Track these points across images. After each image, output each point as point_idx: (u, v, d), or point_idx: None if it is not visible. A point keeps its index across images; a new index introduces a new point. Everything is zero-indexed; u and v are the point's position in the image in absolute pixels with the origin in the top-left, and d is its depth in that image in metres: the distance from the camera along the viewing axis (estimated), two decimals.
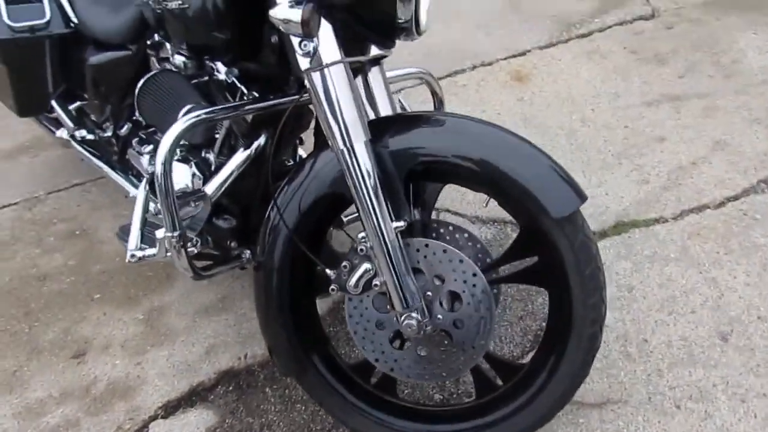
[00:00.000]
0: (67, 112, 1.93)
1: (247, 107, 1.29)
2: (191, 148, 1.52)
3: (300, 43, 1.05)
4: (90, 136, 1.93)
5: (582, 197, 1.09)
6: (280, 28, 1.03)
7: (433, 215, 1.95)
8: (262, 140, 1.40)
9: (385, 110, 1.31)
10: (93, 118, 1.95)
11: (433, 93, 1.63)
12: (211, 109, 1.24)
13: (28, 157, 2.67)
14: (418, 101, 1.68)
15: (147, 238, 1.32)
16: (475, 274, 1.14)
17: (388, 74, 1.52)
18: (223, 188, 1.38)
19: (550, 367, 1.19)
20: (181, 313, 1.79)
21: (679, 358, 1.48)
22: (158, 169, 1.16)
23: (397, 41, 1.21)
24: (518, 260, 1.25)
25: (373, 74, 1.30)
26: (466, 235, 1.29)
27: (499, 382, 1.30)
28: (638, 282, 1.68)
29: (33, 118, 2.19)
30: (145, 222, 1.33)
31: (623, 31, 3.07)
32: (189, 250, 1.38)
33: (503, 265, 1.28)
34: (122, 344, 1.72)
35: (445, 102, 1.65)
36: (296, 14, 0.99)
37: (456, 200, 2.05)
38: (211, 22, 1.25)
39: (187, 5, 1.25)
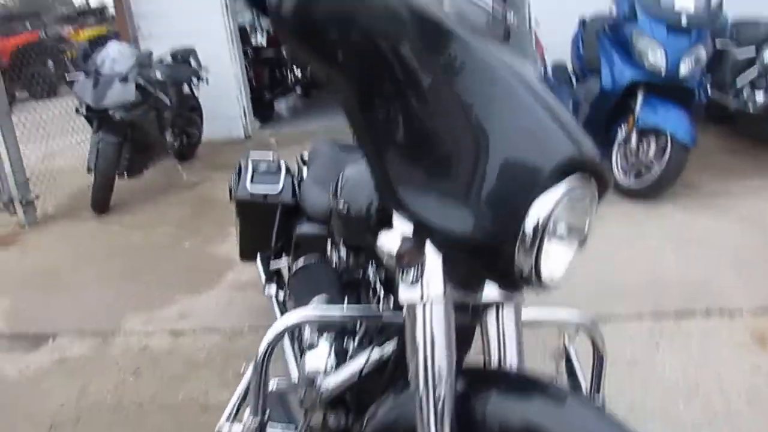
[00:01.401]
0: (266, 268, 2.18)
1: (361, 314, 1.30)
2: (339, 334, 1.55)
3: (402, 271, 1.01)
4: (280, 293, 2.13)
5: None
6: (383, 258, 1.01)
7: None
8: (389, 347, 1.37)
9: (509, 356, 1.18)
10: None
11: (594, 345, 1.41)
12: (325, 308, 1.27)
13: (253, 293, 3.04)
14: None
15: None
16: None
17: (539, 314, 1.39)
18: (341, 386, 1.36)
19: None
20: None
21: None
22: (261, 350, 1.20)
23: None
24: None
25: (506, 312, 1.19)
26: None
27: None
28: None
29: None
30: (244, 397, 1.36)
31: None
32: None
33: None
34: None
35: (606, 359, 1.40)
36: (394, 246, 0.97)
37: None
38: (363, 226, 1.31)
39: (346, 210, 1.34)
